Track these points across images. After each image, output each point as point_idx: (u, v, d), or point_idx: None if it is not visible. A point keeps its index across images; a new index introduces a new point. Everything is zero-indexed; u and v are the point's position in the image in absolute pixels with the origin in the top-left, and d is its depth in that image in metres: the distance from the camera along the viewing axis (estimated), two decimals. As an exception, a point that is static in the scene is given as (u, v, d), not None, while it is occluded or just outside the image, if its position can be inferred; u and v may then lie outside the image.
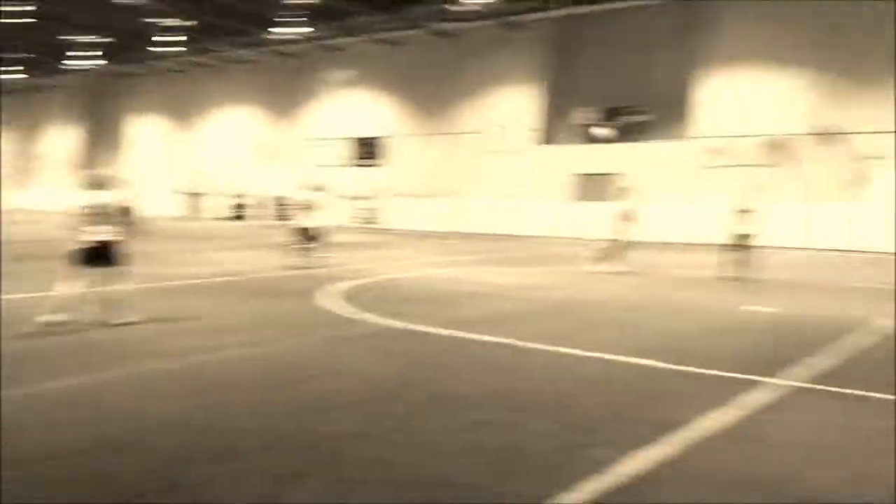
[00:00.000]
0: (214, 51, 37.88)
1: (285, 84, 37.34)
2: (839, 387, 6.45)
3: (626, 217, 15.51)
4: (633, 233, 15.67)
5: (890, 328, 9.29)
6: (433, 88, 32.13)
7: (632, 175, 26.84)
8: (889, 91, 22.59)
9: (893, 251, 20.15)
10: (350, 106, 35.19)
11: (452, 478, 4.33)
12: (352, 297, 11.41)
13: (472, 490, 4.16)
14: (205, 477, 4.29)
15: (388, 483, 4.24)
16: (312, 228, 15.40)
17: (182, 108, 42.81)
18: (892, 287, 13.31)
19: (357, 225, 32.52)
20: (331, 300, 11.03)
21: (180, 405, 5.66)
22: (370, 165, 34.58)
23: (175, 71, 41.88)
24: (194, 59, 39.15)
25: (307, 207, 15.59)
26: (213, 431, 5.10)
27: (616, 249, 15.39)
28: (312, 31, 33.07)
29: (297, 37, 33.75)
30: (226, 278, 13.47)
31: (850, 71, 23.28)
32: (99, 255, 8.41)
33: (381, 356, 7.45)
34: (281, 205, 34.84)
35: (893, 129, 22.25)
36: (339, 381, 6.47)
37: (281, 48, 35.85)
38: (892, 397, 6.12)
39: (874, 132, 22.62)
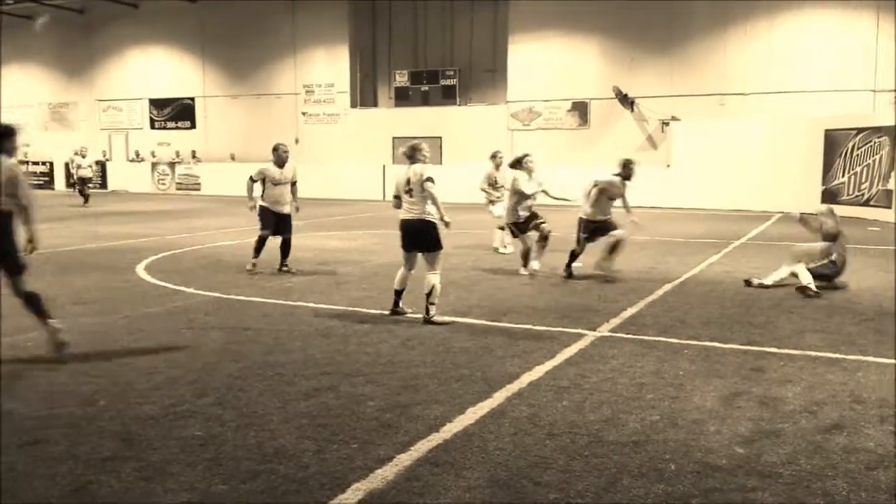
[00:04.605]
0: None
1: (76, 42, 34.21)
2: (649, 335, 6.92)
3: None
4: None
5: (682, 276, 10.09)
6: (241, 49, 30.72)
7: (447, 138, 27.26)
8: (671, 58, 24.42)
9: (688, 206, 21.95)
10: (151, 66, 32.93)
11: (281, 448, 4.19)
12: (171, 269, 10.77)
13: (301, 458, 4.04)
14: (9, 466, 3.92)
15: (209, 461, 4.03)
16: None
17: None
18: (692, 240, 14.48)
19: (175, 191, 30.79)
20: (148, 273, 10.36)
21: (-32, 395, 5.08)
22: (180, 129, 32.71)
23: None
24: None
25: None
26: (13, 420, 4.62)
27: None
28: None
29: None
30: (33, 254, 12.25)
31: (637, 39, 24.88)
32: None
33: (199, 329, 7.08)
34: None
35: (680, 94, 24.13)
36: (154, 358, 6.07)
37: (62, 2, 32.65)
38: (683, 341, 6.65)
39: (662, 96, 24.39)
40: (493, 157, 12.77)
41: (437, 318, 7.28)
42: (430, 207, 7.29)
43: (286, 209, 10.34)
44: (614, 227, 9.95)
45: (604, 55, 25.40)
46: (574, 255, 10.14)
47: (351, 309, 7.98)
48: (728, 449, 4.23)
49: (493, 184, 12.65)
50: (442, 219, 7.30)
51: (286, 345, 6.48)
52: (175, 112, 32.93)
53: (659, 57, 24.61)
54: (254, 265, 10.16)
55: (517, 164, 10.47)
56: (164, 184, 31.57)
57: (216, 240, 14.22)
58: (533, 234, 10.31)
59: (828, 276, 9.12)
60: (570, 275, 9.98)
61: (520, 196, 10.16)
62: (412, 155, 7.40)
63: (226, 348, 6.36)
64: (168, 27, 32.04)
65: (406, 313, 7.60)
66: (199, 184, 30.65)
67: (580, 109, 25.93)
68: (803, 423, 4.62)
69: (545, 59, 26.10)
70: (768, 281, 9.27)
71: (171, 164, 31.59)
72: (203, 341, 6.60)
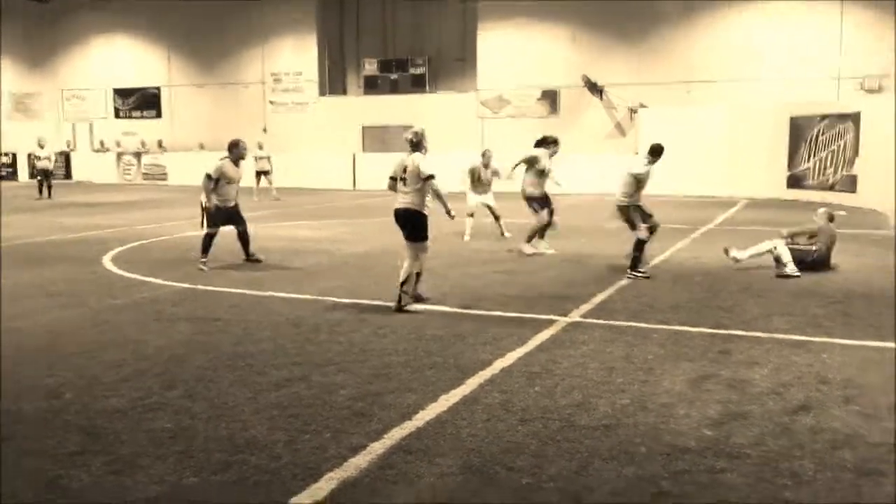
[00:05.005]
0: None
1: (39, 31, 33.51)
2: (620, 320, 6.97)
3: None
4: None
5: (651, 261, 10.17)
6: (207, 37, 30.31)
7: (417, 127, 27.06)
8: (639, 46, 24.55)
9: (656, 193, 22.09)
10: (116, 56, 32.38)
11: (252, 439, 4.16)
12: (138, 259, 10.62)
13: (273, 449, 4.02)
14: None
15: (180, 454, 3.99)
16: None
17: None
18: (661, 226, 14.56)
19: (141, 182, 30.33)
20: (115, 264, 10.20)
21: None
22: (146, 118, 32.21)
23: None
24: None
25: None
26: (-28, 417, 4.53)
27: None
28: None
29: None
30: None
31: (606, 27, 25.00)
32: None
33: (167, 320, 6.99)
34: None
35: (648, 82, 24.27)
36: (121, 350, 5.98)
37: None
38: (652, 326, 6.72)
39: (631, 84, 24.52)
40: (483, 155, 13.04)
41: (407, 307, 7.27)
42: (428, 200, 7.35)
43: (233, 202, 10.11)
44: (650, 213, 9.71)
45: (573, 43, 25.44)
46: (643, 243, 9.42)
47: (321, 298, 7.94)
48: (697, 431, 4.28)
49: (475, 178, 12.82)
50: (448, 213, 7.48)
51: (256, 335, 6.42)
52: (140, 101, 32.42)
53: (628, 45, 24.71)
54: (204, 263, 9.69)
55: (543, 143, 11.01)
56: (129, 174, 31.11)
57: (184, 230, 14.04)
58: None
59: (805, 263, 9.26)
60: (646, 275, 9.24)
61: (539, 173, 10.74)
62: (419, 142, 7.40)
63: (194, 340, 6.29)
64: (133, 15, 31.50)
65: (429, 300, 7.62)
66: (165, 173, 30.26)
67: (550, 97, 25.97)
68: (770, 405, 4.69)
69: (515, 48, 26.09)
70: (743, 255, 9.41)
71: (137, 154, 31.13)
72: (171, 333, 6.52)
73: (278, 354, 5.83)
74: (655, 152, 9.72)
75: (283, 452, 3.99)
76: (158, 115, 32.11)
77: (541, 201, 10.88)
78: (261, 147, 22.33)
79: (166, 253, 11.28)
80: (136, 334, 6.45)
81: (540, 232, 11.00)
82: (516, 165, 11.27)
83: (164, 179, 30.05)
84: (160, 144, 31.12)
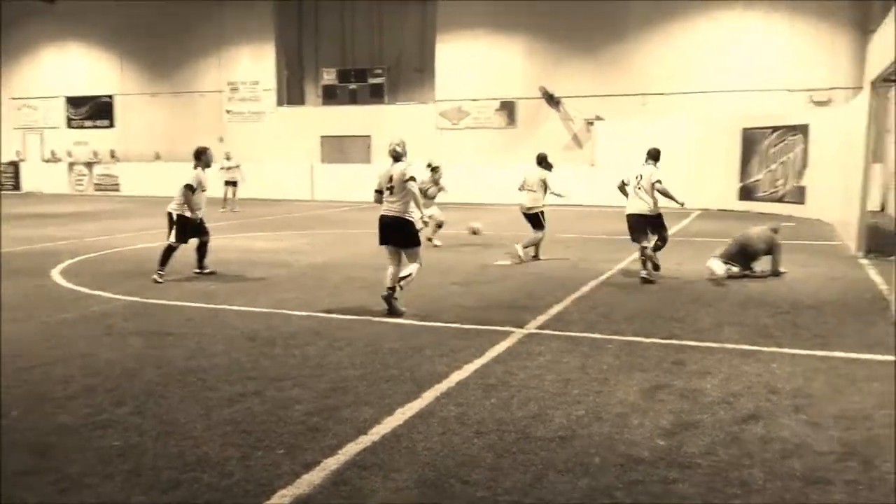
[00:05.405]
0: None
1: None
2: (575, 331, 7.02)
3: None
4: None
5: (607, 272, 10.29)
6: (162, 45, 29.91)
7: (376, 137, 27.07)
8: (596, 58, 24.90)
9: (612, 204, 22.35)
10: (68, 64, 31.78)
11: (203, 456, 4.09)
12: (89, 272, 10.40)
13: (225, 466, 3.96)
14: None
15: (128, 472, 3.90)
16: None
17: None
18: (616, 237, 14.74)
19: (93, 192, 29.73)
20: (64, 277, 9.98)
21: None
22: (98, 127, 31.62)
23: None
24: None
25: None
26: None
27: None
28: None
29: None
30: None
31: (563, 39, 25.31)
32: None
33: (118, 335, 6.85)
34: None
35: (604, 94, 24.62)
36: (70, 365, 5.85)
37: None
38: (607, 336, 6.79)
39: (588, 96, 24.86)
40: (434, 171, 13.24)
41: (395, 300, 7.58)
42: (410, 207, 7.56)
43: (202, 212, 10.03)
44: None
45: (531, 55, 25.69)
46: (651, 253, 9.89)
47: (278, 311, 7.86)
48: (650, 441, 4.32)
49: (422, 193, 12.70)
50: (421, 217, 7.78)
51: (209, 349, 6.33)
52: (93, 110, 31.84)
53: (585, 57, 25.01)
54: (161, 275, 9.53)
55: (547, 165, 11.71)
56: (81, 184, 30.49)
57: (136, 242, 13.81)
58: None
59: (732, 256, 9.78)
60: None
61: (545, 190, 11.49)
62: (404, 153, 7.66)
63: (146, 354, 6.18)
64: (86, 23, 30.96)
65: (403, 313, 7.62)
66: (117, 184, 29.74)
67: (508, 109, 26.16)
68: (721, 414, 4.76)
69: (473, 59, 26.25)
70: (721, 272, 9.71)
71: (89, 164, 30.55)
72: (122, 347, 6.39)
73: (232, 369, 5.75)
74: (656, 156, 10.39)
75: (234, 469, 3.93)
76: (111, 124, 31.58)
77: (542, 214, 11.54)
78: (228, 157, 22.14)
79: (119, 265, 11.07)
80: (86, 349, 6.32)
81: (533, 244, 11.46)
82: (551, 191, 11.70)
83: (117, 190, 29.54)
84: (112, 154, 30.59)
